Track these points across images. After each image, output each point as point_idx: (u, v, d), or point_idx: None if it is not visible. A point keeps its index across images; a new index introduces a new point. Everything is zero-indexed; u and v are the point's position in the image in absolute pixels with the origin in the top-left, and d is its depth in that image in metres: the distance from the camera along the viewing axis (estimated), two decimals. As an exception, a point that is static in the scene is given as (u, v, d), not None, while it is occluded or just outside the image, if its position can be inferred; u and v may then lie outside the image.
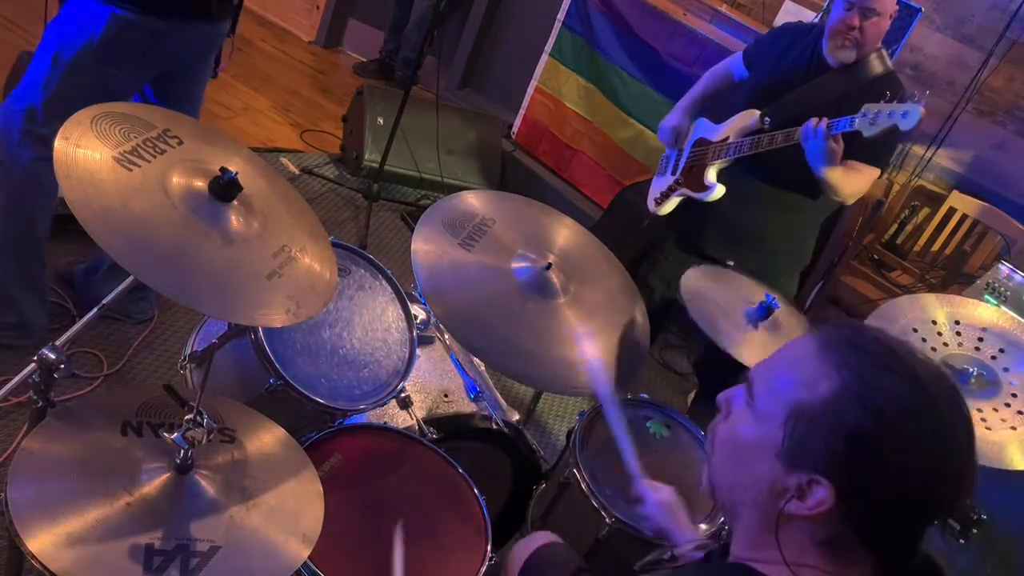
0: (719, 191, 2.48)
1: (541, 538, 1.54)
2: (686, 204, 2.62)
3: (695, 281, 1.96)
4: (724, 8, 3.80)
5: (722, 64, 2.70)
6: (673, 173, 2.67)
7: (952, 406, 0.81)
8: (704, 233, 2.58)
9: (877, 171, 2.32)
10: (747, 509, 0.89)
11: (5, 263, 2.08)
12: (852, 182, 2.27)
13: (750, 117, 2.40)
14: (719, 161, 2.48)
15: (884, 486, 0.80)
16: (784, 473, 0.83)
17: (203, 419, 1.19)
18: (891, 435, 0.78)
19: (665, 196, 2.68)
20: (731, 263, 2.13)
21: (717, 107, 2.65)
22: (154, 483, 1.20)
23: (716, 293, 1.95)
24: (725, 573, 0.94)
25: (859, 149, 2.19)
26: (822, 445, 0.80)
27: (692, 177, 2.58)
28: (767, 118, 2.35)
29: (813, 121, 2.16)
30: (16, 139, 1.96)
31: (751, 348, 1.82)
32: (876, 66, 2.28)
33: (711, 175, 2.50)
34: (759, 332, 1.87)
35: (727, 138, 2.47)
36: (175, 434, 1.19)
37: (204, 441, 1.20)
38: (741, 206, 2.49)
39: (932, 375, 0.81)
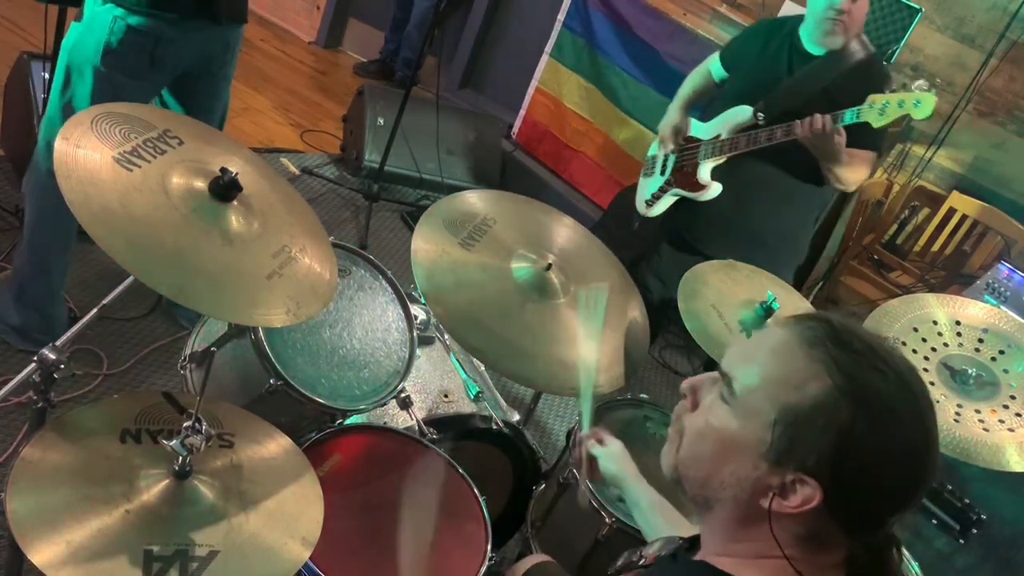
0: (716, 189, 2.48)
1: (537, 557, 1.58)
2: (679, 203, 2.62)
3: (692, 283, 1.95)
4: (724, 8, 3.80)
5: (701, 65, 2.71)
6: (663, 173, 2.67)
7: (924, 398, 0.83)
8: (699, 232, 2.59)
9: (875, 154, 2.34)
10: (723, 504, 0.89)
11: (45, 267, 2.14)
12: (856, 169, 2.29)
13: (742, 114, 2.40)
14: (713, 159, 2.47)
15: (871, 482, 0.81)
16: (768, 472, 0.83)
17: (201, 425, 1.19)
18: (880, 434, 0.80)
19: (656, 197, 2.68)
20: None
21: (700, 106, 2.66)
22: (153, 490, 1.20)
23: (714, 293, 1.94)
24: (693, 573, 0.94)
25: (856, 136, 2.20)
26: (811, 445, 0.81)
27: (684, 176, 2.57)
28: (760, 113, 2.35)
29: (815, 119, 2.15)
30: (43, 151, 2.02)
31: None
32: (858, 51, 2.29)
33: (705, 173, 2.50)
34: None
35: (719, 135, 2.47)
36: (174, 441, 1.19)
37: (203, 447, 1.20)
38: (737, 202, 2.49)
39: (908, 369, 0.84)
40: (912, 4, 3.14)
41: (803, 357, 0.83)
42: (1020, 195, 3.43)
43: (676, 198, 2.61)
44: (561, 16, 3.90)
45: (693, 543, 1.00)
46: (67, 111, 1.95)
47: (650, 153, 2.79)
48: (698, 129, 2.58)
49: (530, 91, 4.12)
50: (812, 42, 2.32)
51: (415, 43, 4.51)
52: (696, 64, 3.47)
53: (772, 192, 2.46)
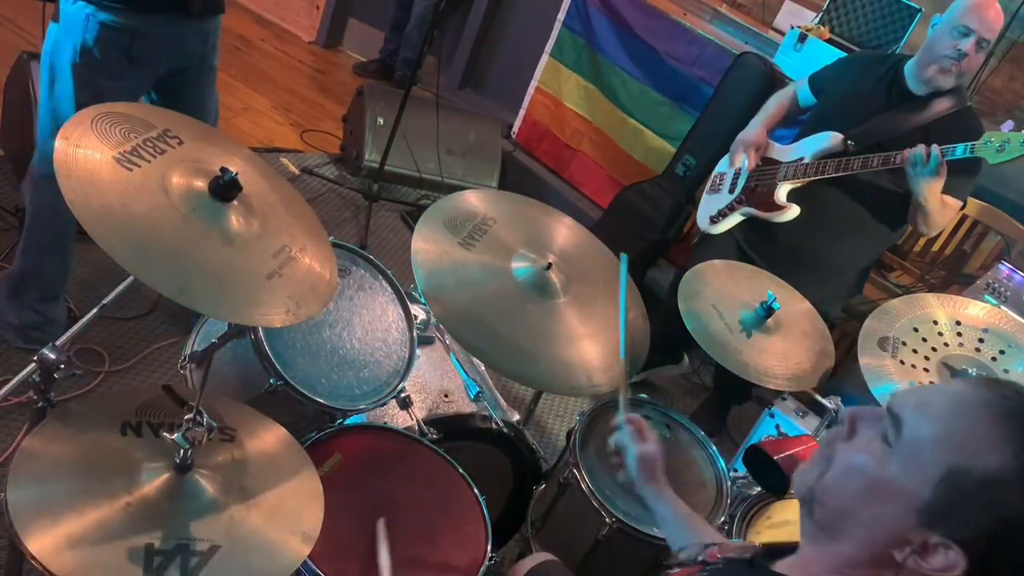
0: (795, 210, 2.43)
1: (540, 556, 1.57)
2: (747, 223, 2.58)
3: (692, 283, 1.95)
4: (724, 8, 3.80)
5: (788, 87, 2.68)
6: (731, 191, 2.61)
7: None
8: (764, 253, 2.53)
9: (960, 203, 2.31)
10: (850, 539, 0.86)
11: (42, 268, 2.14)
12: (945, 214, 2.26)
13: (831, 139, 2.36)
14: (792, 181, 2.42)
15: (1020, 572, 0.78)
16: (915, 528, 0.80)
17: (203, 418, 1.19)
18: None
19: (723, 214, 2.62)
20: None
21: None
22: (154, 483, 1.20)
23: (714, 293, 1.94)
24: None
25: (949, 178, 2.18)
26: (970, 518, 0.78)
27: (757, 196, 2.52)
28: (851, 142, 2.31)
29: (923, 147, 2.12)
30: (38, 155, 2.03)
31: (744, 358, 1.80)
32: (956, 98, 2.28)
33: (782, 194, 2.44)
34: (752, 340, 1.84)
35: (802, 158, 2.42)
36: (175, 434, 1.19)
37: (204, 440, 1.20)
38: (810, 229, 2.44)
39: None
40: (912, 4, 3.14)
41: (989, 424, 0.79)
42: (1020, 195, 3.42)
43: (745, 217, 2.57)
44: (561, 16, 3.90)
45: (772, 553, 0.97)
46: (55, 115, 1.94)
47: (718, 169, 2.74)
48: (776, 150, 2.53)
49: (530, 91, 4.12)
50: (918, 79, 2.30)
51: (415, 43, 4.51)
52: (696, 64, 3.49)
53: (846, 222, 2.42)
